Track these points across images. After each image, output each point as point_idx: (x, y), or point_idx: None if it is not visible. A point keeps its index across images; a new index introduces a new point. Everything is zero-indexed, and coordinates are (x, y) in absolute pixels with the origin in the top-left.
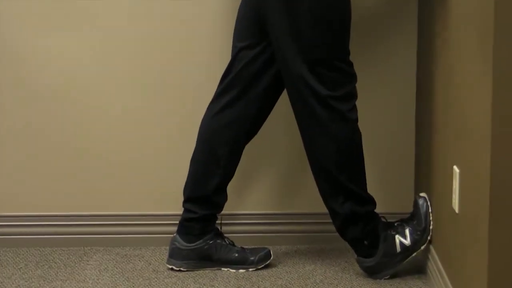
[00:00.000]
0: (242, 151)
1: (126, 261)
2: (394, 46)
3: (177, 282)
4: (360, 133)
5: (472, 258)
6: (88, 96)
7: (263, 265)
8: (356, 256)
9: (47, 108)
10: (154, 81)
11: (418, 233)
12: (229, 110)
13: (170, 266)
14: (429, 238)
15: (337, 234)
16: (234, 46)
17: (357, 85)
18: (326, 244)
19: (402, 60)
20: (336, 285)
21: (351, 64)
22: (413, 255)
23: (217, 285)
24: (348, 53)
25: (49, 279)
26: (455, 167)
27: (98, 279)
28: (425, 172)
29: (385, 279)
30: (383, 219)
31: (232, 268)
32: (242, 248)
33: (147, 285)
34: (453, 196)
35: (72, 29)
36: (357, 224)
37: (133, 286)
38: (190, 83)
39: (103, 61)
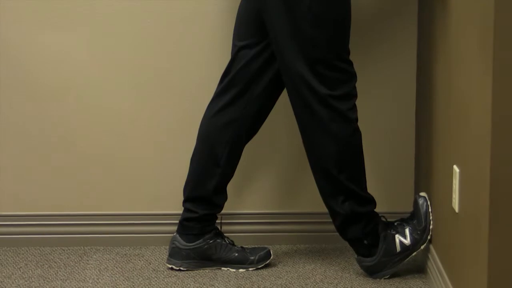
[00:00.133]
0: (242, 151)
1: (126, 260)
2: (394, 46)
3: (177, 282)
4: (360, 132)
5: (472, 258)
6: (87, 96)
7: (263, 265)
8: (356, 255)
9: (47, 108)
10: (154, 80)
11: (418, 232)
12: (229, 109)
13: (170, 266)
14: (429, 237)
15: (337, 233)
16: (234, 45)
17: (357, 85)
18: (326, 243)
19: (402, 60)
20: (336, 285)
21: (351, 64)
22: (413, 254)
23: (217, 284)
24: (348, 52)
25: (49, 278)
26: (455, 167)
27: (98, 279)
28: (425, 172)
29: (385, 278)
30: (383, 219)
31: (232, 268)
32: (242, 247)
33: (147, 285)
34: (453, 195)
35: (72, 29)
36: (357, 224)
37: (133, 286)
38: (189, 82)
39: (103, 60)
